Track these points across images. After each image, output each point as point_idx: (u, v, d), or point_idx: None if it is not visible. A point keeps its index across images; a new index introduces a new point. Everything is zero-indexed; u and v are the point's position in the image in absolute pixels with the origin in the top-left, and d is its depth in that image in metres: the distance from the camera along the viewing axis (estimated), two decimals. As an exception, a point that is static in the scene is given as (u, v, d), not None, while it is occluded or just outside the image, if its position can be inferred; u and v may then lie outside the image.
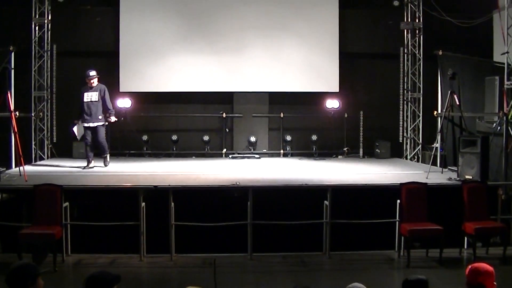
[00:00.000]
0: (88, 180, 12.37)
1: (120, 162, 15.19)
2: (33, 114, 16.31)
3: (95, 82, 14.40)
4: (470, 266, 5.43)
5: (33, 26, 16.38)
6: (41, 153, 16.58)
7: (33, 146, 16.34)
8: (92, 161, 14.44)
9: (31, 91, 16.38)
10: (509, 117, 12.42)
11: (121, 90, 17.09)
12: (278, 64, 17.77)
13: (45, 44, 16.61)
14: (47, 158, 16.63)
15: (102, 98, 14.35)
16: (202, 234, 10.65)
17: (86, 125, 14.32)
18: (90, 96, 14.30)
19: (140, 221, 10.26)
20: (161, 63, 17.38)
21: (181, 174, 13.59)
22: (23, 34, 16.45)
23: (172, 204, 10.37)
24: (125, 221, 10.26)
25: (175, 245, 10.41)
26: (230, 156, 17.53)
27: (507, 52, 12.43)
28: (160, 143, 17.77)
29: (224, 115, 17.91)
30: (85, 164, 14.42)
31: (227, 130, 18.06)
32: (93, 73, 14.41)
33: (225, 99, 18.03)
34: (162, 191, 10.62)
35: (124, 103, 16.66)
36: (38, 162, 15.99)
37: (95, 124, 14.31)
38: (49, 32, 16.72)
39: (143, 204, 10.36)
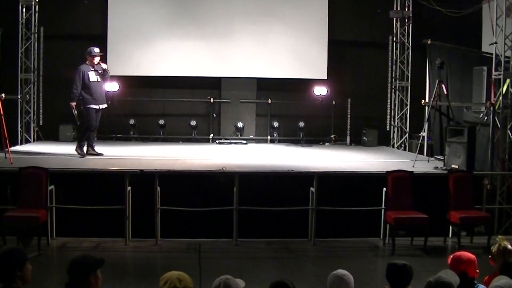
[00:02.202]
0: (74, 163, 12.31)
1: (106, 146, 15.10)
2: (19, 97, 16.16)
3: (97, 60, 13.44)
4: (452, 255, 5.46)
5: (20, 7, 16.21)
6: (27, 136, 16.46)
7: (19, 128, 16.21)
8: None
9: (18, 73, 16.23)
10: (496, 107, 12.45)
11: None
12: (267, 50, 17.72)
13: (32, 26, 16.44)
14: (33, 141, 16.52)
15: (105, 78, 13.73)
16: (188, 219, 10.62)
17: (95, 107, 13.36)
18: (96, 76, 13.36)
19: (125, 205, 10.24)
20: (149, 47, 17.29)
21: (167, 158, 13.55)
22: (10, 15, 16.24)
23: (158, 188, 10.36)
24: (110, 205, 10.23)
25: (160, 230, 10.41)
26: (217, 141, 17.51)
27: (496, 43, 12.45)
28: (147, 128, 17.71)
29: (211, 100, 17.85)
30: (79, 150, 13.49)
31: (214, 115, 18.02)
32: (97, 50, 13.55)
33: (213, 84, 17.98)
34: (148, 176, 10.60)
35: (111, 87, 16.57)
36: (24, 145, 15.88)
37: (104, 106, 13.65)
38: (37, 14, 16.54)
39: (129, 188, 10.34)
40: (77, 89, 13.12)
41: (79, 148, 13.49)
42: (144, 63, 17.31)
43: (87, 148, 13.61)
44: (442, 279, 4.17)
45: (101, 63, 13.46)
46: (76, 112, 13.22)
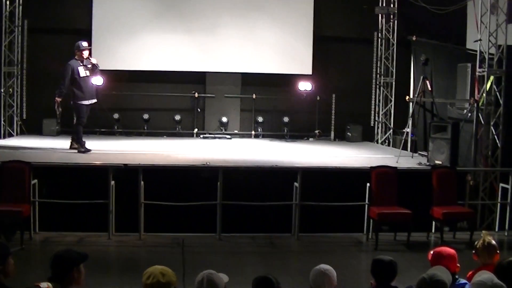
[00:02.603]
0: (58, 157, 12.26)
1: (90, 140, 15.02)
2: (2, 90, 16.05)
3: (86, 54, 13.21)
4: (432, 251, 5.50)
5: (3, 0, 16.07)
6: (10, 130, 16.37)
7: (2, 122, 16.11)
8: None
9: (1, 66, 16.10)
10: (480, 104, 12.52)
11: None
12: (252, 45, 17.72)
13: (16, 19, 16.32)
14: (16, 134, 16.43)
15: (95, 73, 13.32)
16: (172, 213, 10.60)
17: (86, 102, 13.14)
18: (86, 71, 13.08)
19: (109, 200, 10.19)
20: (134, 41, 17.24)
21: (151, 153, 13.53)
22: (-6, 8, 16.17)
23: (142, 183, 10.32)
24: (94, 200, 10.18)
25: (144, 224, 10.36)
26: (202, 136, 17.50)
27: (480, 40, 12.51)
28: (131, 122, 17.67)
29: (196, 95, 17.84)
30: (82, 148, 13.26)
31: (199, 110, 18.00)
32: (86, 44, 13.35)
33: (198, 79, 17.95)
34: (132, 170, 10.56)
35: (96, 81, 16.46)
36: (7, 139, 15.79)
37: (93, 101, 13.40)
38: (21, 7, 16.40)
39: (113, 182, 10.30)
40: (64, 85, 12.90)
41: (81, 147, 13.25)
42: (129, 57, 17.26)
43: (71, 142, 13.46)
44: (436, 276, 4.19)
45: (90, 58, 13.29)
46: (60, 109, 13.09)
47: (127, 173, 10.66)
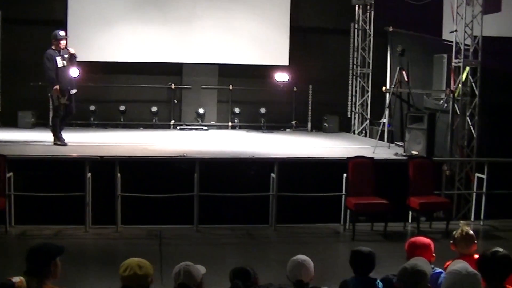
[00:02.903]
0: (33, 150, 12.17)
1: (66, 132, 14.91)
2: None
3: (64, 44, 12.84)
4: (408, 241, 5.54)
5: (-22, -9, 15.93)
6: (-15, 122, 16.23)
7: (-23, 114, 15.98)
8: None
9: (-25, 58, 15.98)
10: (456, 94, 12.59)
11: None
12: (229, 36, 17.68)
13: (-10, 10, 16.18)
14: (-9, 127, 16.29)
15: (73, 63, 12.97)
16: (149, 205, 10.56)
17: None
18: (63, 61, 12.73)
19: (85, 192, 10.12)
20: (111, 32, 17.13)
21: (128, 145, 13.47)
22: (-33, -1, 16.00)
23: (119, 175, 10.26)
24: (70, 192, 10.11)
25: (121, 217, 10.32)
26: (178, 127, 17.46)
27: (456, 31, 12.58)
28: (107, 114, 17.56)
29: (173, 86, 17.78)
30: (59, 141, 12.95)
31: (176, 101, 17.94)
32: (63, 33, 12.97)
33: (174, 70, 17.89)
34: (108, 162, 10.49)
35: (72, 72, 16.33)
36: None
37: (74, 91, 13.05)
38: (-5, -3, 16.29)
39: (89, 175, 10.22)
40: (52, 71, 12.58)
41: (58, 139, 12.94)
42: (106, 48, 17.15)
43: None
44: (418, 267, 4.21)
45: (68, 47, 12.96)
46: (61, 96, 12.69)
47: (104, 165, 10.59)
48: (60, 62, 12.73)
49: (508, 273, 4.35)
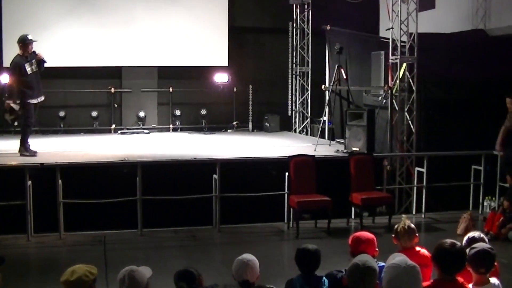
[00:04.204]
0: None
1: (4, 140, 14.68)
2: None
3: (32, 48, 12.21)
4: (352, 236, 5.59)
5: None
6: None
7: None
8: None
9: None
10: (394, 90, 12.76)
11: (4, 65, 16.37)
12: (167, 38, 17.63)
13: None
14: None
15: (42, 68, 12.33)
16: (92, 211, 10.44)
17: (34, 101, 12.16)
18: (32, 67, 12.05)
19: (26, 200, 9.94)
20: (47, 37, 16.79)
21: (69, 151, 13.28)
22: None
23: (60, 181, 10.10)
24: (11, 201, 9.91)
25: (64, 224, 10.16)
26: (119, 131, 17.30)
27: (392, 28, 12.75)
28: (47, 120, 17.21)
29: (112, 90, 17.61)
30: (27, 152, 12.20)
31: (116, 105, 17.78)
32: (31, 37, 12.24)
33: (114, 73, 17.71)
34: (49, 169, 10.33)
35: (7, 78, 15.99)
36: None
37: (42, 99, 12.38)
38: None
39: (30, 182, 10.04)
40: (16, 85, 11.99)
41: (26, 150, 12.21)
42: (42, 53, 16.81)
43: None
44: (368, 263, 4.24)
45: (36, 52, 12.36)
46: (17, 108, 12.06)
47: (45, 173, 10.43)
48: (29, 69, 12.06)
49: (463, 265, 4.45)
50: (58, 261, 9.11)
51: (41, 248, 9.78)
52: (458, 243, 4.50)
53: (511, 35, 13.83)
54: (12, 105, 12.05)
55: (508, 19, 13.82)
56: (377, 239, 5.56)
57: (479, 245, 4.69)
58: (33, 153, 12.25)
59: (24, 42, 12.14)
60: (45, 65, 12.45)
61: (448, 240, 4.48)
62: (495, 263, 4.74)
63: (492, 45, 13.98)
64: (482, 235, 5.32)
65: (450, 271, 4.38)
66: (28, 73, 12.07)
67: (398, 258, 4.26)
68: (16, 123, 13.17)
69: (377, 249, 5.45)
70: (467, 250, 4.58)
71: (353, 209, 11.16)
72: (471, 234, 5.34)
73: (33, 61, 12.19)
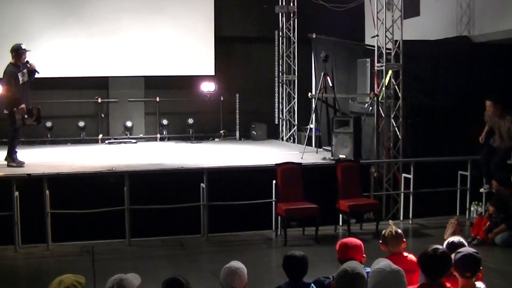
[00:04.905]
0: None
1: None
2: None
3: (25, 57, 12.07)
4: (339, 242, 5.61)
5: None
6: None
7: None
8: None
9: None
10: (380, 97, 12.82)
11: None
12: (154, 48, 17.65)
13: None
14: None
15: (32, 78, 12.20)
16: (79, 221, 10.43)
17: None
18: (23, 77, 11.90)
19: (13, 211, 9.90)
20: (33, 48, 16.54)
21: (56, 161, 13.24)
22: None
23: (47, 192, 10.08)
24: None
25: (52, 234, 10.13)
26: (106, 141, 17.28)
27: (377, 36, 12.82)
28: (34, 130, 17.05)
29: (99, 100, 17.61)
30: (14, 163, 12.05)
31: (103, 115, 17.77)
32: (24, 46, 12.11)
33: (100, 84, 17.71)
34: (36, 180, 10.30)
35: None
36: None
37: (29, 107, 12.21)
38: None
39: (17, 193, 10.01)
40: (16, 91, 11.80)
41: (13, 161, 12.06)
42: (35, 63, 16.75)
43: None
44: (357, 270, 4.26)
45: (29, 62, 12.19)
46: (33, 114, 12.16)
47: (32, 183, 10.39)
48: (20, 79, 11.94)
49: (448, 269, 4.49)
50: (46, 272, 9.06)
51: (29, 259, 9.73)
52: (441, 248, 4.54)
53: (495, 41, 13.95)
54: (22, 107, 11.85)
55: (492, 25, 13.94)
56: (364, 245, 5.58)
57: (465, 250, 4.72)
58: (20, 164, 12.15)
59: (18, 52, 12.02)
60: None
61: (432, 246, 4.53)
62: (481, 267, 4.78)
63: (476, 51, 14.08)
64: (462, 239, 5.34)
65: (434, 276, 4.42)
66: (20, 82, 11.94)
67: (383, 262, 4.29)
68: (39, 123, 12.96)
69: (364, 255, 5.48)
70: (453, 255, 4.62)
71: (340, 216, 11.18)
72: (451, 239, 5.35)
73: (25, 71, 12.05)
